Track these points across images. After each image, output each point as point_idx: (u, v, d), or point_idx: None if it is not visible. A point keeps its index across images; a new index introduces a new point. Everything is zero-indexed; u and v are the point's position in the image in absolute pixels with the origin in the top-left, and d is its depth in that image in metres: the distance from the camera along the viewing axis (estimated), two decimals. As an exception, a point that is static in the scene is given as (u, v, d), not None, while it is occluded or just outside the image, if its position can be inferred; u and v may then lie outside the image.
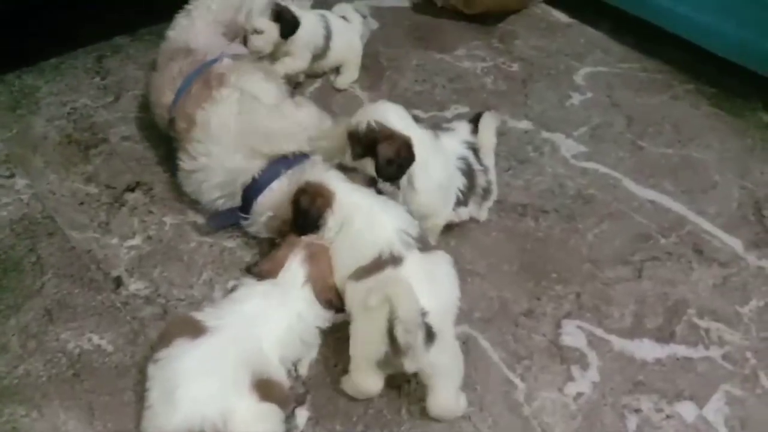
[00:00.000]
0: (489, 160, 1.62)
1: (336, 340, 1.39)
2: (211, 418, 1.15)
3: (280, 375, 1.28)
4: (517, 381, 1.38)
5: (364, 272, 1.27)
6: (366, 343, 1.24)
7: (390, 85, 2.11)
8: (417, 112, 1.99)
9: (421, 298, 1.19)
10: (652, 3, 2.16)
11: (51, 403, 1.31)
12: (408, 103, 1.98)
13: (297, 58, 1.90)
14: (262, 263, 1.38)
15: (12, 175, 1.74)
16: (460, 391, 1.30)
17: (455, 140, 1.58)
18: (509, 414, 1.33)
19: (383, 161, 1.37)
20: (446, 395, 1.28)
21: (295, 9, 1.84)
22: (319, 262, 1.35)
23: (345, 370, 1.35)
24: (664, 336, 1.48)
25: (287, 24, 1.79)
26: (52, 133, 1.88)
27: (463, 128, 1.63)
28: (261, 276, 1.36)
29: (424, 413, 1.30)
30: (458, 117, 1.98)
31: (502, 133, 1.93)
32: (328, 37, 1.96)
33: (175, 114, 1.60)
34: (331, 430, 1.29)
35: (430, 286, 1.24)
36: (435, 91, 2.10)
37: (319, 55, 1.96)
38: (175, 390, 1.17)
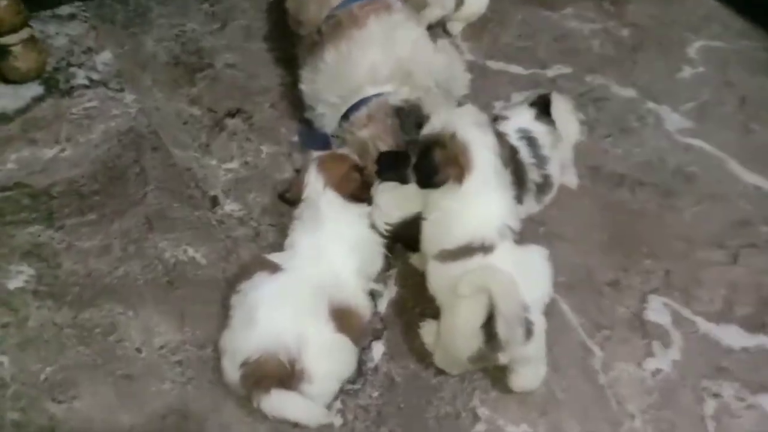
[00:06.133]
0: (557, 152, 1.48)
1: (415, 283, 1.42)
2: (286, 343, 1.18)
3: (359, 301, 1.31)
4: (595, 349, 1.37)
5: (450, 255, 1.21)
6: (459, 337, 1.17)
7: (491, 38, 2.05)
8: (517, 68, 1.95)
9: None
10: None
11: (146, 305, 1.39)
12: (508, 59, 1.98)
13: (440, 7, 1.94)
14: (290, 189, 1.43)
15: (122, 89, 1.82)
16: None
17: (506, 129, 1.44)
18: (584, 380, 1.32)
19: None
20: (532, 379, 1.27)
21: None
22: (329, 166, 1.38)
23: (422, 313, 1.38)
24: (754, 325, 1.42)
25: None
26: (161, 53, 1.93)
27: (521, 114, 1.49)
28: (293, 199, 1.40)
29: (496, 368, 1.30)
30: (560, 77, 1.93)
31: (605, 98, 1.88)
32: None
33: (341, 13, 1.60)
34: (405, 367, 1.32)
35: (522, 278, 1.14)
36: (538, 48, 2.03)
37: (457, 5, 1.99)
38: (254, 314, 1.21)
